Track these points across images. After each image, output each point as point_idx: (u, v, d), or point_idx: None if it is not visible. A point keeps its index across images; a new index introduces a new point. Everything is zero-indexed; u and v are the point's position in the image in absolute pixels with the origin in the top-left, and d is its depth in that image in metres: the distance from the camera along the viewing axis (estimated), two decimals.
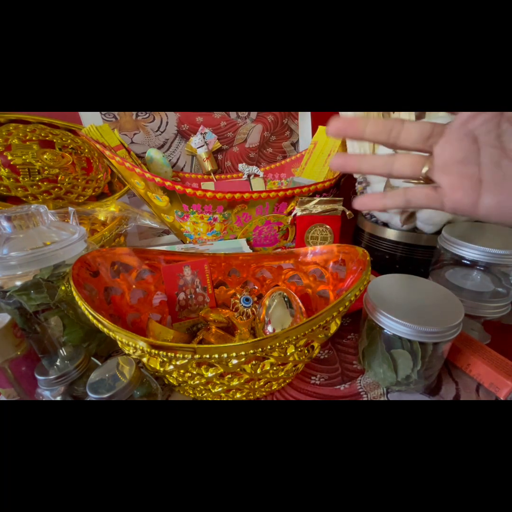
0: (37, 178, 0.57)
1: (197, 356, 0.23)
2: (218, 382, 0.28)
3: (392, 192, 0.22)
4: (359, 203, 0.24)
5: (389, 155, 0.22)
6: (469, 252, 0.36)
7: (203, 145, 0.69)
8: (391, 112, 0.53)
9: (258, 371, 0.27)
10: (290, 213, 0.53)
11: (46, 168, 0.57)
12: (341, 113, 0.56)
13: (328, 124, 0.22)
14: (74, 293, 0.27)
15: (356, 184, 0.55)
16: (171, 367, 0.25)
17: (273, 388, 0.32)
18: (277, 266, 0.43)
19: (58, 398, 0.29)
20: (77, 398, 0.29)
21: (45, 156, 0.57)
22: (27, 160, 0.55)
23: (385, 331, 0.31)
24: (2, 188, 0.54)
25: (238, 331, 0.38)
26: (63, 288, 0.33)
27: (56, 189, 0.59)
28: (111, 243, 0.51)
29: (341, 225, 0.50)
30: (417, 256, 0.49)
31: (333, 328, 0.29)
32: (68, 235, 0.35)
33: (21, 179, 0.55)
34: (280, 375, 0.29)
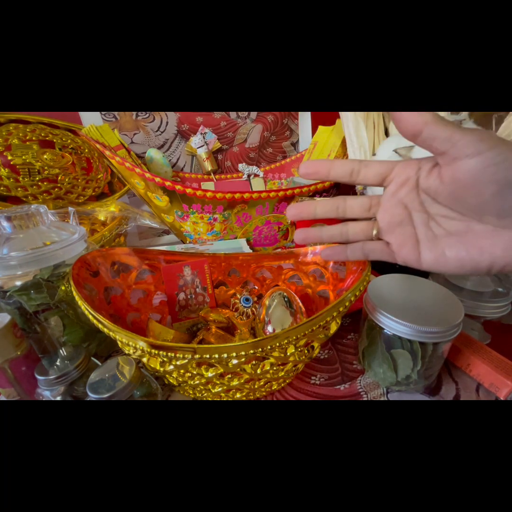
0: (37, 178, 0.57)
1: (197, 356, 0.23)
2: (218, 382, 0.28)
3: (352, 246, 0.26)
4: (324, 255, 0.29)
5: (343, 225, 0.26)
6: None
7: (203, 145, 0.69)
8: (391, 112, 0.53)
9: (258, 371, 0.27)
10: None
11: (46, 168, 0.57)
12: (341, 114, 0.56)
13: (287, 211, 0.26)
14: (74, 293, 0.27)
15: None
16: (171, 367, 0.25)
17: (273, 388, 0.32)
18: (277, 266, 0.43)
19: (58, 398, 0.29)
20: (77, 398, 0.29)
21: (45, 156, 0.57)
22: (27, 160, 0.55)
23: (385, 331, 0.31)
24: (2, 188, 0.54)
25: (238, 331, 0.38)
26: (63, 288, 0.33)
27: (56, 189, 0.59)
28: (111, 243, 0.51)
29: None
30: None
31: (333, 328, 0.29)
32: (68, 235, 0.35)
33: (21, 179, 0.55)
34: (280, 375, 0.29)
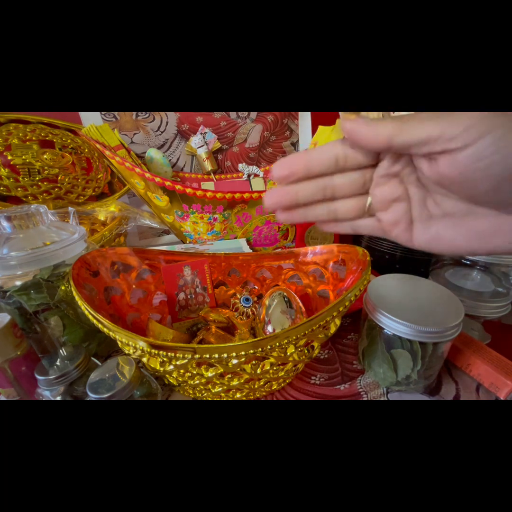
0: (37, 178, 0.57)
1: (197, 356, 0.23)
2: (218, 382, 0.28)
3: (341, 224, 0.23)
4: (321, 227, 0.24)
5: (329, 204, 0.22)
6: None
7: (203, 145, 0.69)
8: (391, 112, 0.53)
9: (258, 371, 0.27)
10: None
11: (46, 168, 0.57)
12: (342, 114, 0.56)
13: (265, 200, 0.22)
14: (74, 293, 0.27)
15: None
16: (171, 367, 0.25)
17: (273, 388, 0.32)
18: (277, 266, 0.43)
19: (58, 398, 0.29)
20: (77, 398, 0.29)
21: (45, 156, 0.57)
22: (27, 160, 0.55)
23: (385, 331, 0.31)
24: (2, 188, 0.54)
25: (238, 331, 0.38)
26: (63, 288, 0.33)
27: (56, 189, 0.59)
28: (111, 243, 0.51)
29: None
30: (417, 256, 0.49)
31: (333, 328, 0.29)
32: (68, 235, 0.35)
33: (21, 179, 0.55)
34: (280, 375, 0.29)
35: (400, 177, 0.20)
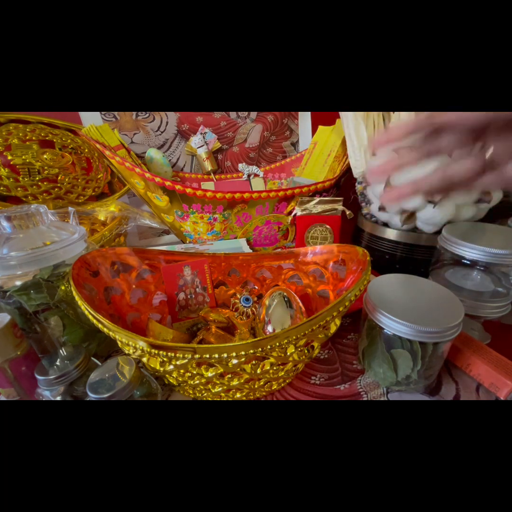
0: (37, 178, 0.57)
1: (197, 356, 0.23)
2: (218, 382, 0.28)
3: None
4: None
5: (442, 172, 0.22)
6: (469, 252, 0.36)
7: (203, 145, 0.69)
8: (391, 112, 0.53)
9: (258, 371, 0.27)
10: (290, 213, 0.53)
11: (46, 168, 0.57)
12: (341, 114, 0.56)
13: (383, 200, 0.23)
14: (74, 293, 0.27)
15: (356, 184, 0.55)
16: (171, 367, 0.25)
17: (273, 388, 0.32)
18: (277, 266, 0.43)
19: (58, 398, 0.29)
20: (77, 398, 0.29)
21: (45, 156, 0.57)
22: (27, 160, 0.55)
23: (385, 331, 0.31)
24: (2, 188, 0.54)
25: (238, 331, 0.38)
26: (63, 288, 0.33)
27: (56, 189, 0.59)
28: (111, 243, 0.51)
29: (341, 225, 0.50)
30: (417, 256, 0.49)
31: (333, 328, 0.29)
32: (68, 235, 0.35)
33: (21, 179, 0.55)
34: (280, 375, 0.29)
35: None
